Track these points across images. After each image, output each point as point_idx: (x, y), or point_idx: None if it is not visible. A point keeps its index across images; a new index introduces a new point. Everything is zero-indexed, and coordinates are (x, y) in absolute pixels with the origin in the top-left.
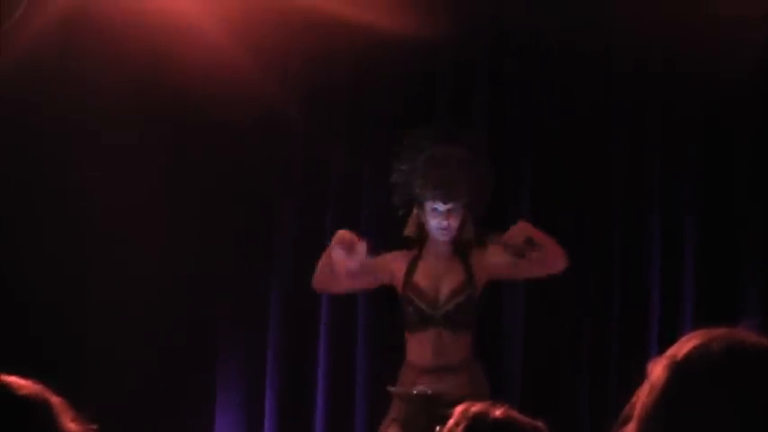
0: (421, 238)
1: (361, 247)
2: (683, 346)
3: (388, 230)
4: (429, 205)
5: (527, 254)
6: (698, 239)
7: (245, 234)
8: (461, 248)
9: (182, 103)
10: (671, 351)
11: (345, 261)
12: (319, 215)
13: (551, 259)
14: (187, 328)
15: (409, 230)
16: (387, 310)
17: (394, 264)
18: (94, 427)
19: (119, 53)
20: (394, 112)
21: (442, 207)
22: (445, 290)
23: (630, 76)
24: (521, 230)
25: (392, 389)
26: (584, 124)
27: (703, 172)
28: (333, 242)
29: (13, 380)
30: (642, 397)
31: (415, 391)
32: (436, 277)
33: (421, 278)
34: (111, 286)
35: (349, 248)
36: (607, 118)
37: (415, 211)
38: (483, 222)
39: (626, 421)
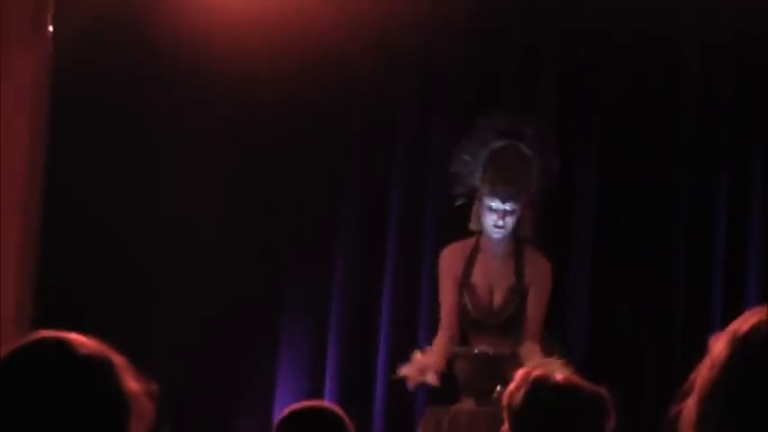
0: (483, 230)
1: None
2: (746, 321)
3: (449, 220)
4: (486, 201)
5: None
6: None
7: (310, 190)
8: (517, 246)
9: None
10: (733, 326)
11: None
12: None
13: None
14: (251, 283)
15: (473, 224)
16: None
17: (454, 263)
18: (155, 385)
19: None
20: (462, 97)
21: (499, 206)
22: (498, 296)
23: (700, 48)
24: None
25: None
26: (653, 109)
27: None
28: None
29: (75, 338)
30: (703, 372)
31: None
32: (491, 277)
33: (477, 278)
34: (176, 241)
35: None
36: (677, 106)
37: (476, 203)
38: (547, 211)
39: (686, 395)
